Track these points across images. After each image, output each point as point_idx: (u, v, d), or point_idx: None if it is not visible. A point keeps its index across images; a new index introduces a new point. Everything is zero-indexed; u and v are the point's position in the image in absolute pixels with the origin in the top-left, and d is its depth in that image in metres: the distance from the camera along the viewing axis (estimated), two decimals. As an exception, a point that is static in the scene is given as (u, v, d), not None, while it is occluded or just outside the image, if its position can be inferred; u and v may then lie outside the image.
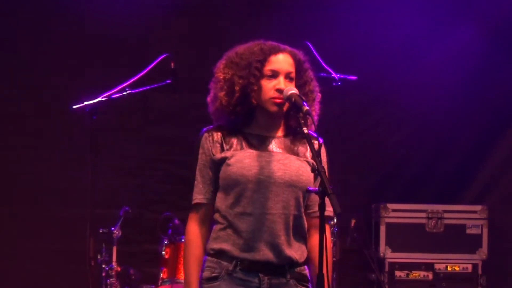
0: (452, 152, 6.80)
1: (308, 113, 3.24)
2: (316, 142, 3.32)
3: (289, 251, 3.34)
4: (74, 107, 4.79)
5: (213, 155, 3.43)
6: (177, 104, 6.40)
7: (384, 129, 6.76)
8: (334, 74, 5.06)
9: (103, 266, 5.32)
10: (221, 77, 3.42)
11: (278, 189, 3.34)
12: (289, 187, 3.34)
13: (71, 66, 6.46)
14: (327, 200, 3.16)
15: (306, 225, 3.43)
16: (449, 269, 6.35)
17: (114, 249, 5.37)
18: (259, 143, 3.41)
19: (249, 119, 3.44)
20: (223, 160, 3.40)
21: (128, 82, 4.89)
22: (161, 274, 5.50)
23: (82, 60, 6.47)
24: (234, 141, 3.42)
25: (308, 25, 6.51)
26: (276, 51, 3.40)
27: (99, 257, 5.29)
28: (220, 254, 3.37)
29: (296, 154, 3.41)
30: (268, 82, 3.38)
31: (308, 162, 3.40)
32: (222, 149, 3.42)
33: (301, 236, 3.40)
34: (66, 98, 5.26)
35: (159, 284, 5.49)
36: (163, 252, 5.51)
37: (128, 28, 6.43)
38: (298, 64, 3.43)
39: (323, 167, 3.16)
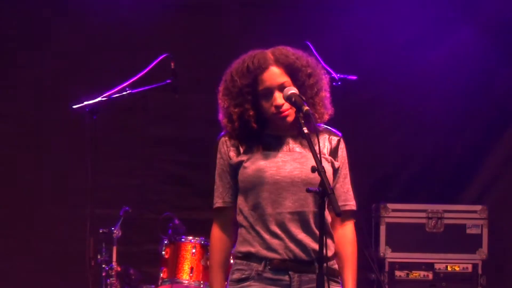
0: (452, 152, 6.80)
1: (308, 113, 3.24)
2: (335, 138, 3.47)
3: (315, 246, 3.34)
4: (74, 107, 4.79)
5: (230, 159, 3.45)
6: (177, 104, 6.40)
7: (384, 129, 6.76)
8: (334, 74, 5.06)
9: (103, 266, 5.32)
10: (221, 105, 3.46)
11: (295, 188, 3.36)
12: (306, 185, 3.32)
13: (71, 66, 6.46)
14: (346, 195, 3.36)
15: (329, 220, 3.44)
16: (449, 269, 6.34)
17: (114, 249, 5.37)
18: (276, 143, 3.44)
19: (262, 124, 3.45)
20: (240, 163, 3.42)
21: (128, 82, 4.89)
22: (161, 274, 5.50)
23: (82, 60, 6.47)
24: (250, 144, 3.44)
25: (308, 25, 6.51)
26: (263, 69, 3.38)
27: (99, 257, 5.29)
28: (248, 256, 3.40)
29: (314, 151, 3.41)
30: (266, 101, 3.39)
31: (326, 159, 3.43)
32: (239, 153, 3.44)
33: (326, 231, 3.39)
34: (66, 98, 5.26)
35: (159, 284, 5.49)
36: (163, 252, 5.51)
37: (128, 28, 6.43)
38: (288, 69, 3.41)
39: (323, 167, 3.16)
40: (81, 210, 4.99)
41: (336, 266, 3.47)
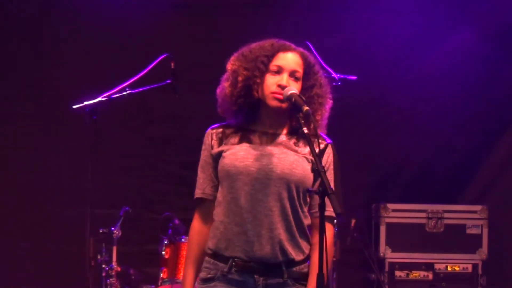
0: (452, 152, 6.80)
1: (308, 113, 3.23)
2: (323, 142, 3.40)
3: (285, 247, 3.31)
4: (74, 107, 4.79)
5: (212, 149, 3.45)
6: (177, 104, 6.39)
7: (384, 129, 6.76)
8: (334, 74, 5.06)
9: (103, 266, 5.32)
10: (229, 68, 3.45)
11: (269, 181, 3.32)
12: (280, 179, 3.31)
13: (71, 66, 6.46)
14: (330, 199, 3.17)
15: (305, 222, 3.39)
16: (449, 269, 6.35)
17: (114, 249, 5.36)
18: (261, 139, 3.42)
19: (254, 117, 3.44)
20: (220, 153, 3.42)
21: (128, 82, 4.89)
22: (161, 274, 5.50)
23: (82, 60, 6.48)
24: (234, 136, 3.43)
25: (308, 25, 6.51)
26: (286, 49, 3.43)
27: (99, 257, 5.28)
28: (215, 255, 3.37)
29: (295, 151, 3.39)
30: (272, 77, 3.39)
31: (307, 159, 3.39)
32: (221, 144, 3.43)
33: (301, 231, 3.37)
34: (66, 98, 5.26)
35: (159, 284, 5.48)
36: (163, 252, 5.51)
37: (128, 28, 6.43)
38: (307, 65, 3.44)
39: (323, 167, 3.15)
40: (81, 210, 4.98)
41: (306, 270, 3.38)
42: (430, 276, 6.34)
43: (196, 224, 3.48)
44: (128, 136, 6.54)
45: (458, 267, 6.35)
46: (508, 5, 6.68)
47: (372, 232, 6.49)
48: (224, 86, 3.44)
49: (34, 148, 6.44)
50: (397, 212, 6.39)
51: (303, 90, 3.41)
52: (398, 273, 6.33)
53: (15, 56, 6.50)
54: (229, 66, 3.45)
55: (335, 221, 3.47)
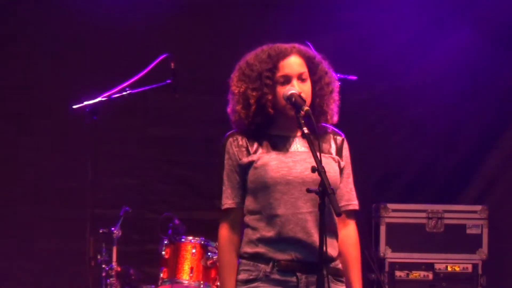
0: (452, 152, 6.80)
1: (308, 113, 3.25)
2: (339, 138, 3.49)
3: (324, 249, 3.30)
4: (74, 107, 4.79)
5: (240, 159, 3.42)
6: (177, 104, 6.40)
7: (384, 129, 6.76)
8: (334, 74, 5.05)
9: (103, 266, 5.32)
10: (236, 91, 3.42)
11: (305, 188, 3.32)
12: (317, 185, 3.29)
13: (71, 66, 6.46)
14: (349, 194, 3.39)
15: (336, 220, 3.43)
16: (449, 269, 6.34)
17: (114, 249, 5.36)
18: (283, 143, 3.43)
19: (269, 121, 3.44)
20: (250, 164, 3.40)
21: (128, 82, 4.89)
22: (161, 274, 5.50)
23: (82, 60, 6.47)
24: (259, 144, 3.42)
25: (308, 25, 6.51)
26: (284, 55, 3.41)
27: (99, 257, 5.28)
28: (255, 257, 3.38)
29: (321, 151, 3.36)
30: (282, 88, 3.38)
31: (333, 158, 3.44)
32: (248, 153, 3.41)
33: (332, 232, 3.41)
34: (66, 98, 5.26)
35: (159, 284, 5.48)
36: (163, 252, 5.51)
37: (128, 27, 6.43)
38: (308, 61, 3.44)
39: (323, 167, 3.16)
40: (81, 210, 4.99)
41: (340, 266, 3.45)
42: (430, 276, 6.34)
43: (226, 232, 3.46)
44: (128, 136, 6.54)
45: (458, 267, 6.35)
46: (508, 5, 6.68)
47: (372, 232, 6.49)
48: (236, 110, 3.42)
49: (34, 148, 6.44)
50: (397, 212, 6.38)
51: (313, 84, 3.42)
52: (398, 273, 6.33)
53: (15, 55, 6.50)
54: (235, 89, 3.42)
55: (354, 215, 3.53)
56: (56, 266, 6.31)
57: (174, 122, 6.57)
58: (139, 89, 4.96)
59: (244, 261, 3.41)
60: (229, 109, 3.47)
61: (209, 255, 5.40)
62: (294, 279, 3.34)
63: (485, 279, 6.32)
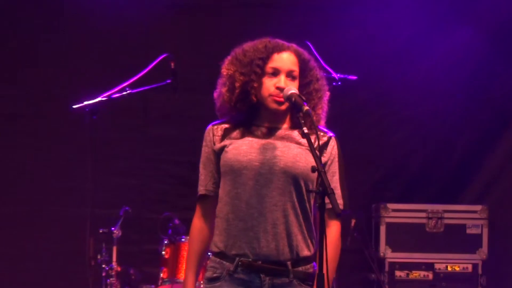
0: (452, 152, 6.80)
1: (308, 113, 3.23)
2: (325, 135, 3.40)
3: (291, 242, 3.31)
4: (74, 107, 4.79)
5: (214, 145, 3.43)
6: (177, 104, 6.40)
7: (384, 129, 6.76)
8: (334, 74, 5.06)
9: (103, 266, 5.32)
10: (225, 73, 3.43)
11: (273, 176, 3.31)
12: (283, 173, 3.30)
13: (71, 66, 6.46)
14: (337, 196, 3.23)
15: (311, 217, 3.38)
16: (449, 269, 6.35)
17: (114, 249, 5.37)
18: (263, 133, 3.41)
19: (254, 114, 3.43)
20: (223, 148, 3.40)
21: (128, 82, 4.89)
22: (161, 274, 5.50)
23: (82, 59, 6.48)
24: (236, 131, 3.42)
25: (308, 25, 6.51)
26: (280, 49, 3.41)
27: (99, 257, 5.29)
28: (221, 254, 3.36)
29: (299, 143, 3.37)
30: (269, 80, 3.38)
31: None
32: (223, 139, 3.42)
33: (306, 227, 3.36)
34: (66, 98, 5.26)
35: (159, 284, 5.49)
36: (163, 252, 5.51)
37: (128, 27, 6.43)
38: (302, 63, 3.43)
39: (323, 167, 3.14)
40: (81, 210, 4.99)
41: (312, 270, 3.37)
42: (430, 276, 6.34)
43: (197, 221, 3.47)
44: (128, 136, 6.54)
45: (458, 267, 6.35)
46: (508, 5, 6.68)
47: (372, 232, 6.49)
48: (221, 92, 3.43)
49: (34, 148, 6.44)
50: (397, 212, 6.38)
51: (301, 87, 3.41)
52: (398, 273, 6.33)
53: (15, 55, 6.50)
54: (224, 71, 3.44)
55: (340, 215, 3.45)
56: (56, 266, 6.31)
57: (174, 122, 6.56)
58: (139, 89, 4.96)
59: (212, 257, 3.41)
60: (215, 94, 3.48)
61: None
62: (257, 280, 3.31)
63: (485, 279, 6.32)
